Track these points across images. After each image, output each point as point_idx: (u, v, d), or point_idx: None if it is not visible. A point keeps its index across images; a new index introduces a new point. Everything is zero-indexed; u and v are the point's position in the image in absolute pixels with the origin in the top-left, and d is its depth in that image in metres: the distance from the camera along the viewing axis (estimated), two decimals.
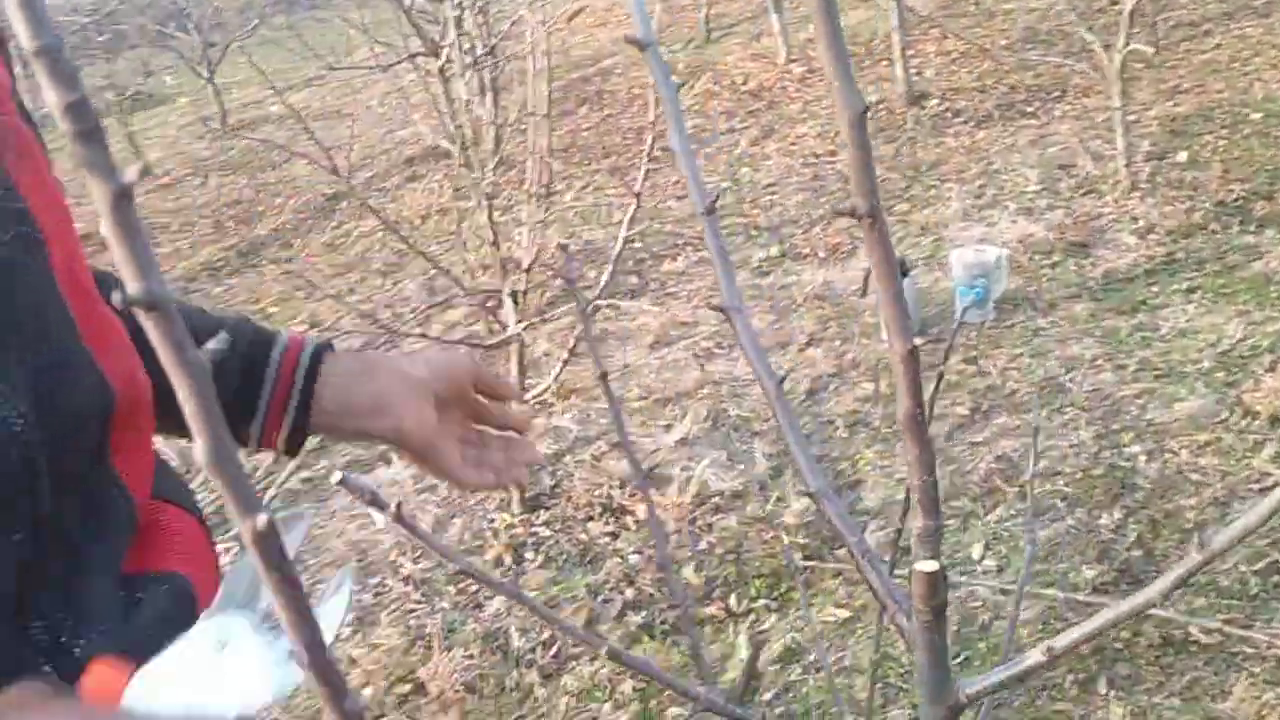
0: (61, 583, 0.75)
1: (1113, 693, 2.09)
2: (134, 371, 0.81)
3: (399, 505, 0.42)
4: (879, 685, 2.22)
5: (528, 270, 2.67)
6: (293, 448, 0.97)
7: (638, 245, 4.74)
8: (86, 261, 0.81)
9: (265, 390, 0.93)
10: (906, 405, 0.53)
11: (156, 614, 0.80)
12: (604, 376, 0.93)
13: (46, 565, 0.74)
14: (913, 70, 6.19)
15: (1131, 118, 4.96)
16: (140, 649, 0.75)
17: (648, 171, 2.60)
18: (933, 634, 0.54)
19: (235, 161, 7.82)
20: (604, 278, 2.77)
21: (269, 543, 0.38)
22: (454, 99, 3.17)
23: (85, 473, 0.77)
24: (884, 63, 6.37)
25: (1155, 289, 3.55)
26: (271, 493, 3.38)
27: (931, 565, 0.52)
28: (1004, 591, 2.39)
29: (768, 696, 2.27)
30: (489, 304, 2.62)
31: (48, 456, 0.72)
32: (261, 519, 0.36)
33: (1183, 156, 4.48)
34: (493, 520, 2.98)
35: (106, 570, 0.79)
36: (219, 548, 0.92)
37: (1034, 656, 0.56)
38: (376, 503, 0.40)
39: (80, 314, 0.77)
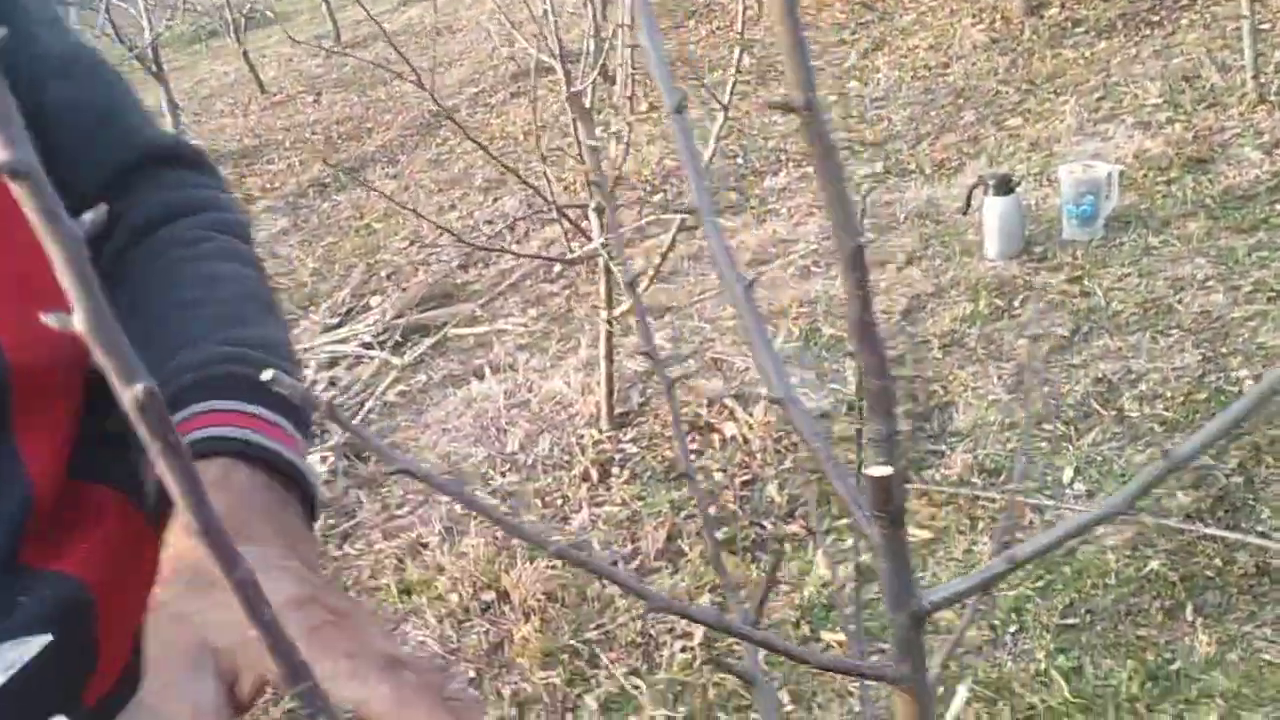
0: None
1: (1200, 619, 2.03)
2: (33, 337, 0.69)
3: (331, 400, 0.41)
4: (958, 607, 2.19)
5: (613, 187, 2.65)
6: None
7: (739, 161, 4.68)
8: None
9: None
10: (855, 309, 0.50)
11: (28, 619, 0.70)
12: (632, 284, 0.91)
13: None
14: None
15: (1266, 25, 4.69)
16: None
17: (735, 85, 2.55)
18: (892, 540, 0.53)
19: (347, 79, 7.92)
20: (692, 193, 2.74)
21: (151, 412, 0.38)
22: (557, 11, 3.14)
23: None
24: None
25: (1278, 207, 3.37)
26: (369, 404, 3.47)
27: (885, 470, 0.50)
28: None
29: (848, 610, 2.26)
30: (575, 219, 2.61)
31: None
32: (140, 387, 0.36)
33: None
34: (581, 436, 3.01)
35: None
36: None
37: (997, 565, 0.54)
38: (307, 401, 0.39)
39: None
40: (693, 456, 2.79)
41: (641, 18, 0.65)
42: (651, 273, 2.71)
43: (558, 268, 4.08)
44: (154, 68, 7.02)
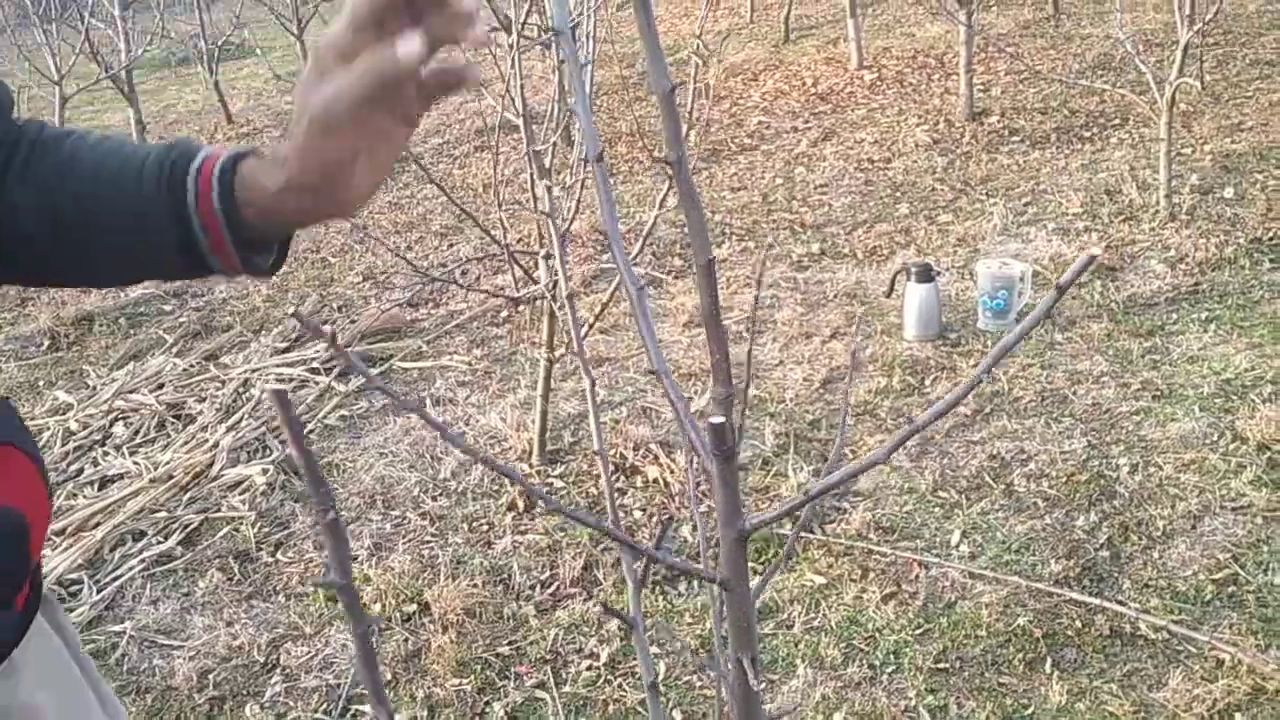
0: None
1: (1056, 673, 2.24)
2: None
3: (334, 334, 0.60)
4: (842, 645, 2.39)
5: (563, 235, 2.86)
6: (256, 259, 0.93)
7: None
8: None
9: (189, 196, 0.88)
10: (706, 305, 0.70)
11: None
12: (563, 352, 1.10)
13: None
14: (979, 87, 6.29)
15: (1187, 150, 5.05)
16: None
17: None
18: (725, 473, 0.72)
19: None
20: (639, 252, 2.96)
21: None
22: (525, 74, 3.36)
23: None
24: (954, 77, 6.48)
25: (1174, 316, 3.66)
26: (311, 425, 3.61)
27: (719, 419, 0.70)
28: (972, 575, 2.54)
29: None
30: (524, 263, 2.81)
31: None
32: None
33: (1229, 192, 4.56)
34: (511, 468, 3.18)
35: None
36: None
37: (795, 499, 0.74)
38: (320, 333, 0.57)
39: None
40: (615, 495, 2.97)
41: (576, 88, 0.86)
42: (593, 320, 2.91)
43: (504, 313, 4.27)
44: (125, 89, 7.17)
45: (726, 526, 0.74)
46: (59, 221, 0.91)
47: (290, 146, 0.83)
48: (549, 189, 2.08)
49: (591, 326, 2.96)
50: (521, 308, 3.00)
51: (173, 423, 3.71)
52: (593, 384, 1.04)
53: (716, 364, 0.70)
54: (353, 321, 4.41)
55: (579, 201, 2.86)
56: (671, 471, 3.02)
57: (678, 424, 0.77)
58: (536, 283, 2.84)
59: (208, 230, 0.88)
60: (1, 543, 0.89)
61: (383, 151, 0.85)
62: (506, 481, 3.10)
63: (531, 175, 2.80)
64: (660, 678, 2.35)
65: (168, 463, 3.38)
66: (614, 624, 2.52)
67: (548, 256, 2.77)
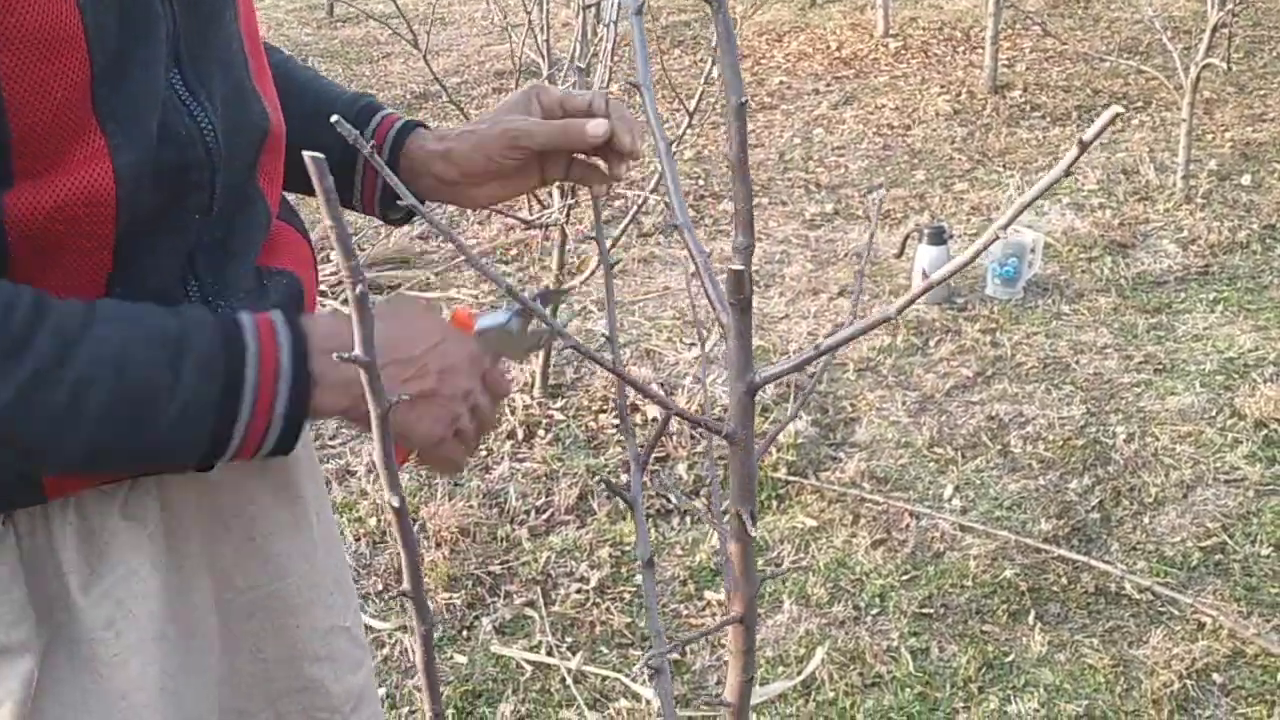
0: (217, 260, 0.98)
1: (1039, 625, 2.27)
2: (280, 112, 1.06)
3: (372, 147, 0.61)
4: (829, 585, 2.41)
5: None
6: (389, 212, 1.19)
7: (700, 182, 4.92)
8: (257, 23, 1.08)
9: (365, 142, 1.11)
10: (734, 151, 0.71)
11: (278, 297, 1.03)
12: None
13: (208, 246, 0.97)
14: (1003, 62, 6.26)
15: (1209, 136, 5.04)
16: None
17: (703, 96, 2.78)
18: (740, 323, 0.73)
19: (335, 51, 8.07)
20: (652, 199, 2.97)
21: None
22: (550, 17, 3.36)
23: (242, 182, 1.00)
24: (979, 50, 6.45)
25: (1182, 295, 3.67)
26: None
27: (739, 267, 0.71)
28: (962, 528, 2.57)
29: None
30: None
31: (224, 163, 0.95)
32: None
33: (1246, 179, 4.56)
34: (513, 399, 3.20)
35: (247, 257, 1.01)
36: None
37: (806, 353, 0.75)
38: (358, 141, 0.58)
39: (253, 57, 1.03)
40: (613, 430, 3.00)
41: (639, 56, 0.86)
42: (611, 244, 2.91)
43: (514, 251, 4.28)
44: None
45: (737, 379, 0.76)
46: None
47: (463, 131, 1.11)
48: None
49: (595, 270, 2.97)
50: (534, 237, 3.01)
51: None
52: (609, 267, 1.05)
53: (740, 211, 0.71)
54: (363, 249, 4.41)
55: None
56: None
57: (697, 274, 0.78)
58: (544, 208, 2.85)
59: (365, 175, 1.13)
60: (289, 301, 1.02)
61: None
62: (509, 410, 3.13)
63: None
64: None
65: None
66: (605, 551, 2.55)
67: (561, 186, 2.78)
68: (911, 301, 0.71)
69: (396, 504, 0.72)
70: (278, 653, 1.12)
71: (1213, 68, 4.43)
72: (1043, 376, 3.21)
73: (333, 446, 3.07)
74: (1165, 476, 2.71)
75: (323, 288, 4.02)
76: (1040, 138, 5.27)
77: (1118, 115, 0.67)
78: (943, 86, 6.11)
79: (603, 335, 3.47)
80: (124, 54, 0.85)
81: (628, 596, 2.42)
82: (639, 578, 2.46)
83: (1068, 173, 0.67)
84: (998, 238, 0.68)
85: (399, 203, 1.12)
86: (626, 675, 2.20)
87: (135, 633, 0.98)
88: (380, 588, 2.49)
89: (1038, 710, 2.09)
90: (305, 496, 1.14)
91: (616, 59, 3.79)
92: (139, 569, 0.98)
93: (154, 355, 0.84)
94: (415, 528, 2.68)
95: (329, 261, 4.14)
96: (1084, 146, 0.65)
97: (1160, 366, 3.22)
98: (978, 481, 2.75)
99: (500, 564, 2.54)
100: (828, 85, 6.42)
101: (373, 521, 2.69)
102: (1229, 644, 2.19)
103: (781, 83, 6.51)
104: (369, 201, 1.17)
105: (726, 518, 0.85)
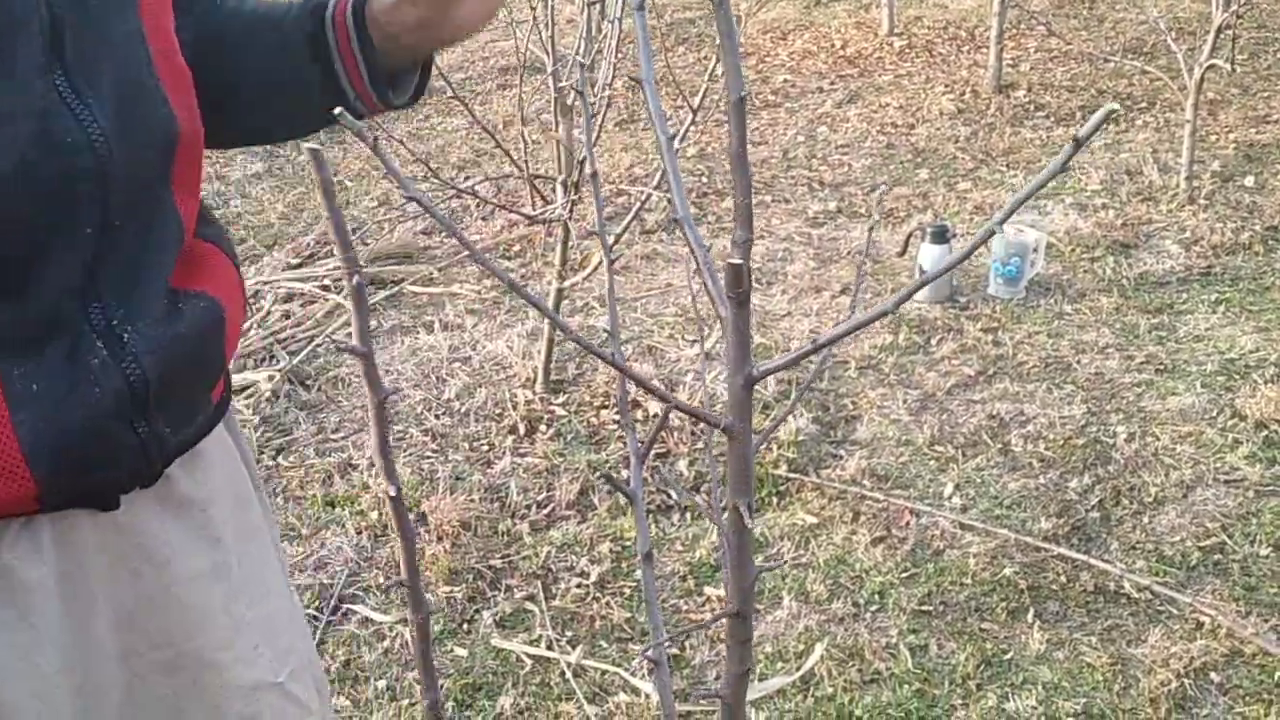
0: (122, 279, 0.92)
1: (1038, 623, 2.28)
2: (196, 116, 0.98)
3: (375, 139, 0.62)
4: (829, 582, 2.42)
5: (581, 164, 2.87)
6: (387, 92, 1.08)
7: (704, 179, 4.92)
8: (170, 17, 0.99)
9: (330, 39, 1.03)
10: (735, 145, 0.71)
11: (193, 323, 0.97)
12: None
13: (109, 262, 0.91)
14: (1008, 61, 6.26)
15: (1212, 137, 5.04)
16: (176, 345, 0.96)
17: (707, 94, 2.78)
18: (738, 317, 0.74)
19: None
20: (655, 196, 2.98)
21: None
22: (555, 15, 3.36)
23: (149, 193, 0.94)
24: (984, 50, 6.44)
25: (1184, 296, 3.67)
26: (319, 341, 3.64)
27: (738, 260, 0.71)
28: (962, 526, 2.57)
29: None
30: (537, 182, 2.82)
31: (121, 171, 0.88)
32: None
33: (1250, 181, 4.56)
34: (515, 395, 3.21)
35: (157, 278, 0.95)
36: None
37: (804, 348, 0.76)
38: (361, 134, 0.59)
39: (158, 54, 0.95)
40: (614, 426, 3.00)
41: (642, 55, 0.86)
42: (614, 241, 2.92)
43: (516, 247, 4.29)
44: None
45: (735, 373, 0.76)
46: (220, 65, 1.04)
47: None
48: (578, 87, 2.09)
49: (596, 269, 2.97)
50: (537, 231, 3.02)
51: None
52: (611, 262, 1.05)
53: (739, 206, 0.72)
54: (366, 244, 4.42)
55: (599, 132, 2.87)
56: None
57: (697, 270, 0.79)
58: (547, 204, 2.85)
59: (348, 70, 1.04)
60: (207, 329, 0.98)
61: None
62: (510, 406, 3.13)
63: (555, 112, 2.81)
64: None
65: None
66: (605, 546, 2.56)
67: (564, 183, 2.79)
68: (908, 296, 0.72)
69: (393, 493, 0.73)
70: (200, 713, 1.05)
71: (1217, 69, 4.43)
72: (1044, 376, 3.22)
73: (335, 440, 3.08)
74: (1165, 476, 2.71)
75: (325, 281, 4.03)
76: (1044, 138, 5.26)
77: (1113, 113, 0.68)
78: (947, 85, 6.11)
79: (604, 331, 3.48)
80: None
81: (628, 591, 2.43)
82: (639, 573, 2.46)
83: (1064, 169, 0.68)
84: (994, 233, 0.69)
85: (391, 74, 1.09)
86: (626, 670, 2.21)
87: (22, 686, 0.90)
88: (381, 580, 2.50)
89: (1036, 708, 2.10)
90: (225, 541, 1.06)
91: (621, 55, 3.79)
92: (30, 614, 0.91)
93: None
94: (416, 521, 2.69)
95: (333, 256, 4.16)
96: (1079, 143, 0.66)
97: (1161, 367, 3.22)
98: (978, 480, 2.75)
99: (501, 558, 2.55)
100: (832, 83, 6.42)
101: (374, 515, 2.70)
102: (1227, 643, 2.19)
103: (786, 80, 6.51)
104: (366, 96, 1.07)
105: (726, 514, 0.86)
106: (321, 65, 1.04)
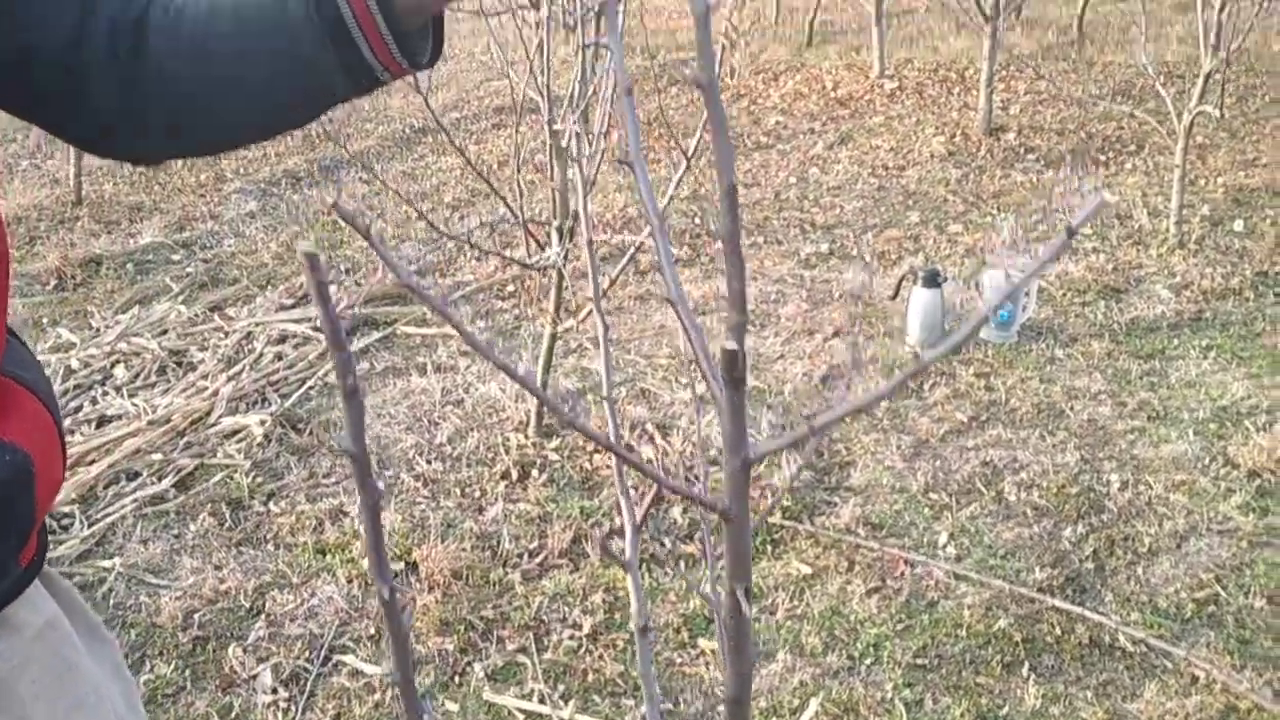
0: None
1: (1033, 677, 2.26)
2: (2, 236, 0.86)
3: (369, 224, 0.62)
4: (823, 634, 2.40)
5: (575, 212, 2.87)
6: (411, 53, 0.95)
7: (697, 220, 4.94)
8: None
9: (345, 10, 0.91)
10: (727, 229, 0.71)
11: None
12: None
13: None
14: (998, 104, 6.31)
15: (1201, 181, 5.08)
16: None
17: (702, 143, 2.79)
18: (734, 400, 0.73)
19: None
20: (646, 240, 2.98)
21: None
22: (550, 55, 3.38)
23: None
24: (974, 92, 6.49)
25: (1175, 341, 3.68)
26: (311, 384, 3.63)
27: (732, 345, 0.71)
28: (957, 576, 2.56)
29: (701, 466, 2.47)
30: (536, 235, 2.83)
31: None
32: None
33: (1239, 225, 4.59)
34: (508, 439, 3.20)
35: None
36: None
37: (800, 430, 0.75)
38: (354, 223, 0.59)
39: None
40: (608, 471, 2.99)
41: (630, 131, 0.86)
42: (608, 285, 2.92)
43: (510, 288, 4.29)
44: None
45: (731, 454, 0.76)
46: (212, 66, 0.92)
47: None
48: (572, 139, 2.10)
49: (605, 292, 2.97)
50: (532, 275, 3.01)
51: (174, 369, 3.72)
52: (606, 329, 1.05)
53: (733, 290, 0.72)
54: (359, 285, 4.42)
55: (594, 176, 2.88)
56: (666, 454, 3.04)
57: (692, 351, 0.78)
58: (541, 250, 2.85)
59: (364, 28, 0.90)
60: (12, 486, 0.84)
61: None
62: (503, 450, 3.12)
63: (550, 153, 2.82)
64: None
65: (166, 407, 3.40)
66: (598, 596, 2.54)
67: (560, 228, 2.79)
68: (906, 379, 0.72)
69: (386, 595, 0.72)
70: None
71: (1206, 114, 4.46)
72: (1037, 422, 3.22)
73: (326, 485, 3.06)
74: (1159, 526, 2.71)
75: (318, 323, 4.01)
76: (1034, 180, 5.30)
77: (1106, 205, 0.67)
78: (937, 128, 6.15)
79: (598, 373, 3.46)
80: None
81: (621, 644, 2.41)
82: (632, 624, 2.44)
83: (1056, 258, 0.68)
84: (990, 316, 0.69)
85: (408, 31, 0.94)
86: None
87: None
88: (372, 631, 2.47)
89: None
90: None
91: (616, 98, 3.82)
92: None
93: None
94: (407, 571, 2.67)
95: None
96: (1072, 233, 0.66)
97: (1153, 414, 3.22)
98: (972, 529, 2.75)
99: (493, 608, 2.53)
100: (823, 125, 6.46)
101: (365, 563, 2.68)
102: (1222, 699, 2.18)
103: (778, 122, 6.55)
104: (381, 51, 0.93)
105: (724, 599, 0.85)
106: (333, 35, 0.92)
